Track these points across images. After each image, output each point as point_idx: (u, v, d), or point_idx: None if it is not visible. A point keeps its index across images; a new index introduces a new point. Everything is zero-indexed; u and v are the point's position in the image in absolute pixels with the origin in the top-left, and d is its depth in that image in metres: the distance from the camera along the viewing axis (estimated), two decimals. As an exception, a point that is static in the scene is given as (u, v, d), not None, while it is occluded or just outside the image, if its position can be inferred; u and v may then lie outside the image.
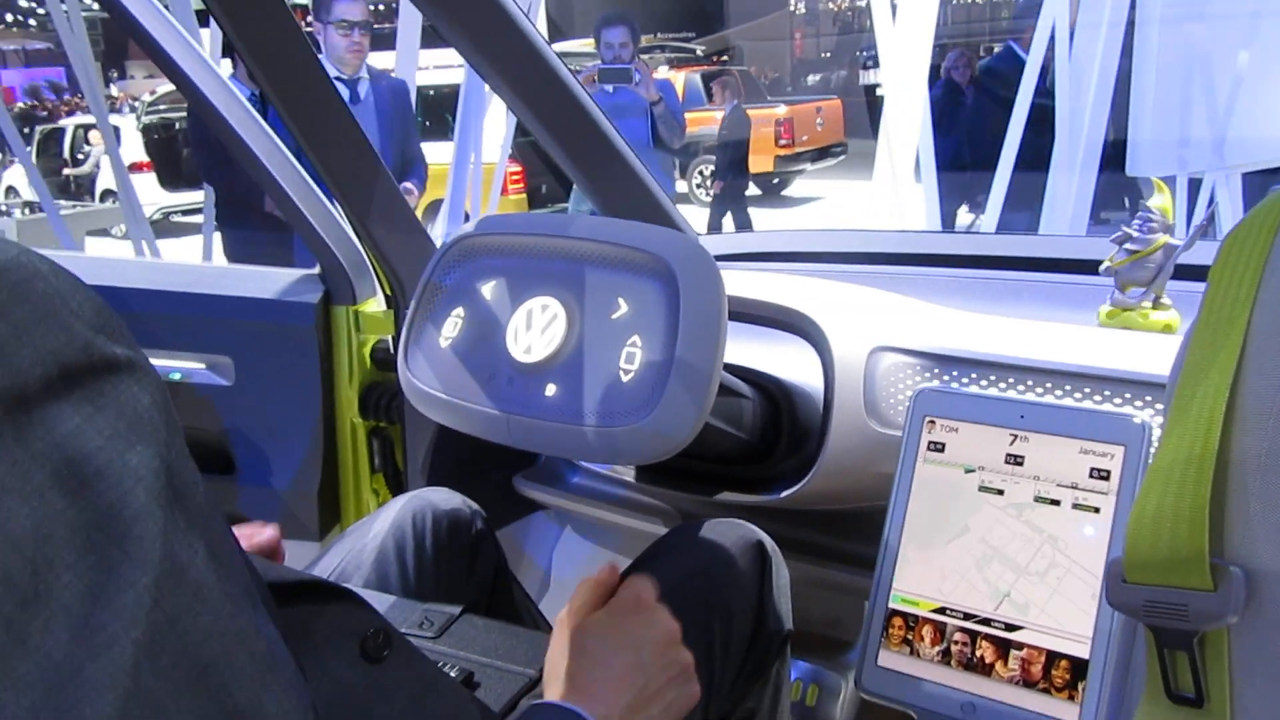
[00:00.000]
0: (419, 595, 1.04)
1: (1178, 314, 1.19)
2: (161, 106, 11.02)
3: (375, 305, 1.56)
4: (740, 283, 1.29)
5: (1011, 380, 1.07)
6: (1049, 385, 1.04)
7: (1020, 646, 0.85)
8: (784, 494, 1.17)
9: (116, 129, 7.06)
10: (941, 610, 0.89)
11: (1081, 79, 3.52)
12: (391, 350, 1.58)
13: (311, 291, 1.55)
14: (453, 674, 0.90)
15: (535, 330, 1.01)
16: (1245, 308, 0.55)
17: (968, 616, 0.88)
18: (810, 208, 10.33)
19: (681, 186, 9.01)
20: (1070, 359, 1.04)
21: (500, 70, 1.35)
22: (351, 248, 1.52)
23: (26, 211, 8.22)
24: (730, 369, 1.20)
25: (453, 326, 1.08)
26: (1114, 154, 3.55)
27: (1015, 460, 0.89)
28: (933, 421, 0.94)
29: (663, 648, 0.78)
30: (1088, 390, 1.01)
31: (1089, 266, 1.27)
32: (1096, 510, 0.84)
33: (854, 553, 1.31)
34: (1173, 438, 0.56)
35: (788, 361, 1.26)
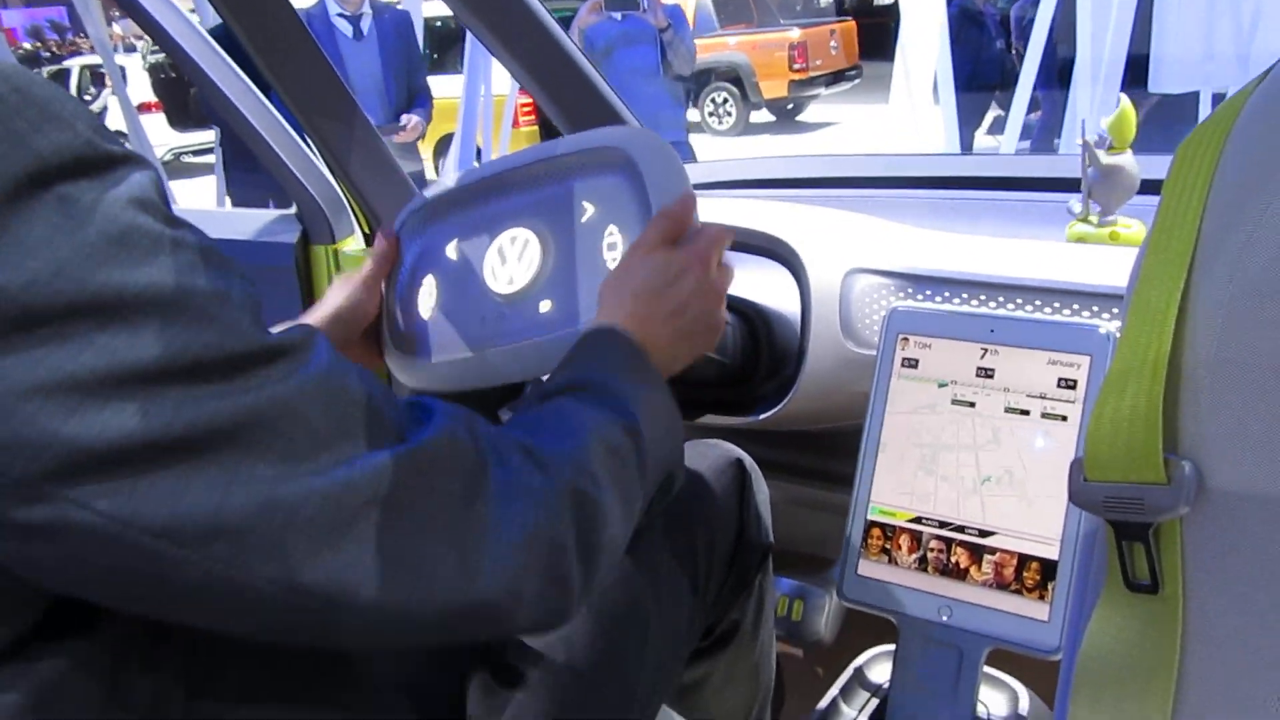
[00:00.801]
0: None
1: (1141, 226, 1.21)
2: (168, 45, 10.71)
3: (354, 244, 1.57)
4: (715, 210, 1.30)
5: (983, 297, 1.09)
6: (1019, 301, 1.07)
7: (993, 551, 0.89)
8: (764, 415, 1.19)
9: (122, 69, 6.83)
10: (917, 519, 0.93)
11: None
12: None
13: (289, 231, 1.55)
14: None
15: (511, 262, 1.02)
16: (1195, 213, 0.57)
17: (943, 524, 0.91)
18: (825, 133, 10.08)
19: (694, 115, 8.82)
20: (1037, 274, 1.07)
21: None
22: (328, 187, 1.52)
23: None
24: None
25: (428, 296, 1.08)
26: (1136, 70, 3.51)
27: (986, 373, 0.92)
28: (906, 339, 0.96)
29: (698, 298, 0.82)
30: (1056, 304, 1.04)
31: (1062, 184, 1.29)
32: (1064, 419, 0.87)
33: (835, 471, 1.34)
34: (1128, 342, 0.59)
35: (765, 286, 1.28)
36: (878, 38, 11.24)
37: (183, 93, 9.65)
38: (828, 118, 10.54)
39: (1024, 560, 0.87)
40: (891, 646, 0.97)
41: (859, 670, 1.01)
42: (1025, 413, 0.89)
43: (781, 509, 1.22)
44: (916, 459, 0.94)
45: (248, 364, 0.49)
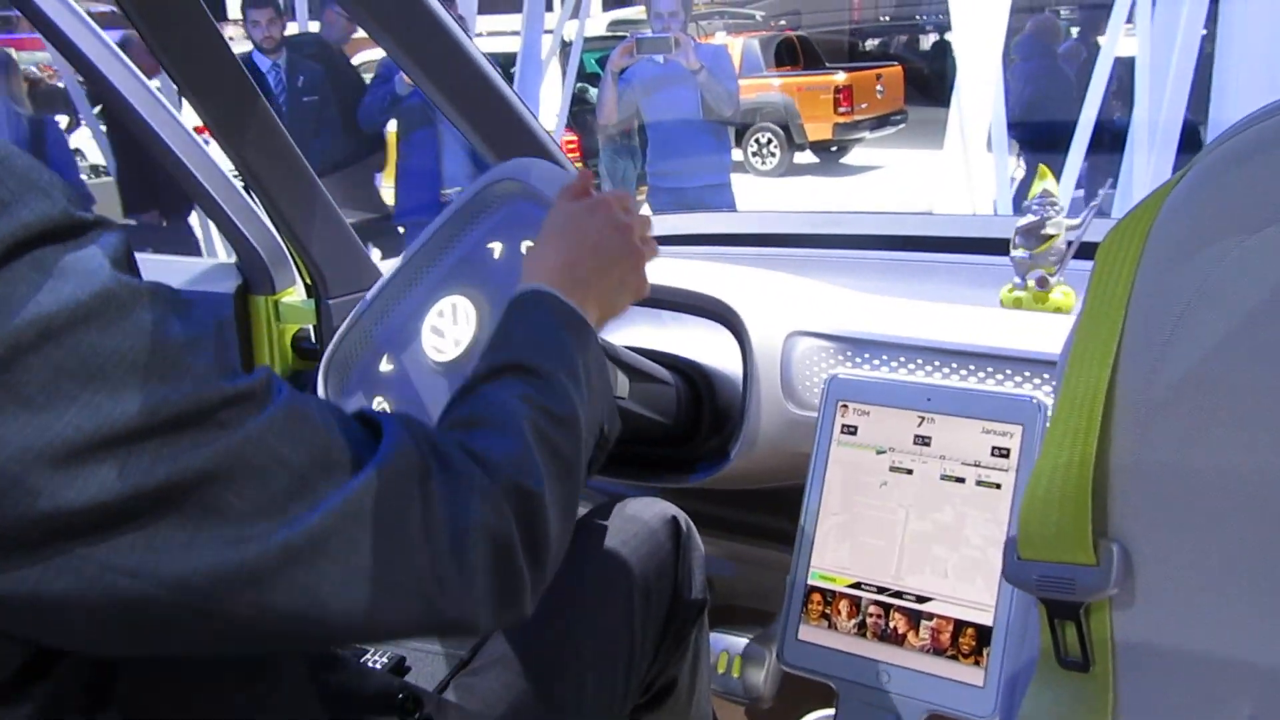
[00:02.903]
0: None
1: (1072, 292, 1.26)
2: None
3: (295, 295, 1.55)
4: (660, 271, 1.32)
5: (920, 361, 1.12)
6: (954, 365, 1.09)
7: (930, 617, 0.90)
8: (706, 478, 1.20)
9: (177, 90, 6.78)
10: (857, 585, 0.94)
11: (1162, 55, 3.42)
12: (312, 339, 1.58)
13: (227, 281, 1.53)
14: (382, 661, 0.92)
15: (448, 329, 1.03)
16: (1120, 308, 0.60)
17: (881, 590, 0.93)
18: (869, 176, 10.04)
19: (737, 155, 8.74)
20: (972, 340, 1.09)
21: (374, 16, 1.34)
22: (268, 236, 1.51)
23: (93, 175, 7.87)
24: (651, 354, 1.23)
25: (381, 372, 1.09)
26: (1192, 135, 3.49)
27: (923, 441, 0.94)
28: (845, 405, 0.98)
29: (610, 230, 0.85)
30: (990, 370, 1.07)
31: (999, 246, 1.32)
32: (998, 486, 0.90)
33: (774, 528, 1.35)
34: (1057, 428, 0.61)
35: (707, 346, 1.29)
36: (925, 83, 11.27)
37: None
38: (872, 161, 10.50)
39: (960, 626, 0.89)
40: (831, 711, 0.98)
41: None
42: (960, 480, 0.92)
43: (721, 564, 1.23)
44: (855, 525, 0.95)
45: (221, 409, 0.51)
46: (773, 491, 1.30)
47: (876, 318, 1.18)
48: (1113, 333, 0.59)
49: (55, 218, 0.48)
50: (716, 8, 13.61)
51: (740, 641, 1.55)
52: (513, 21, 5.28)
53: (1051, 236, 1.24)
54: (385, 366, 1.08)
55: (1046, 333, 1.09)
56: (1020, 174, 4.79)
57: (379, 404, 1.07)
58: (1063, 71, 5.10)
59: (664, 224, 1.77)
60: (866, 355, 1.15)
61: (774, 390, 1.17)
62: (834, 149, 10.59)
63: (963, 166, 3.69)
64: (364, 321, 1.10)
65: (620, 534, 1.01)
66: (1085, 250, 1.29)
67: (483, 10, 4.45)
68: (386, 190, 4.83)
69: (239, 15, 4.69)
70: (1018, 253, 1.26)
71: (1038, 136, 4.88)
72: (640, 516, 1.04)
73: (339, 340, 1.12)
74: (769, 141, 10.10)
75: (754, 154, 10.08)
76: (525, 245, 0.97)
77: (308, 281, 1.55)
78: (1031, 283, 1.26)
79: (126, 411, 0.47)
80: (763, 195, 8.57)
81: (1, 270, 0.46)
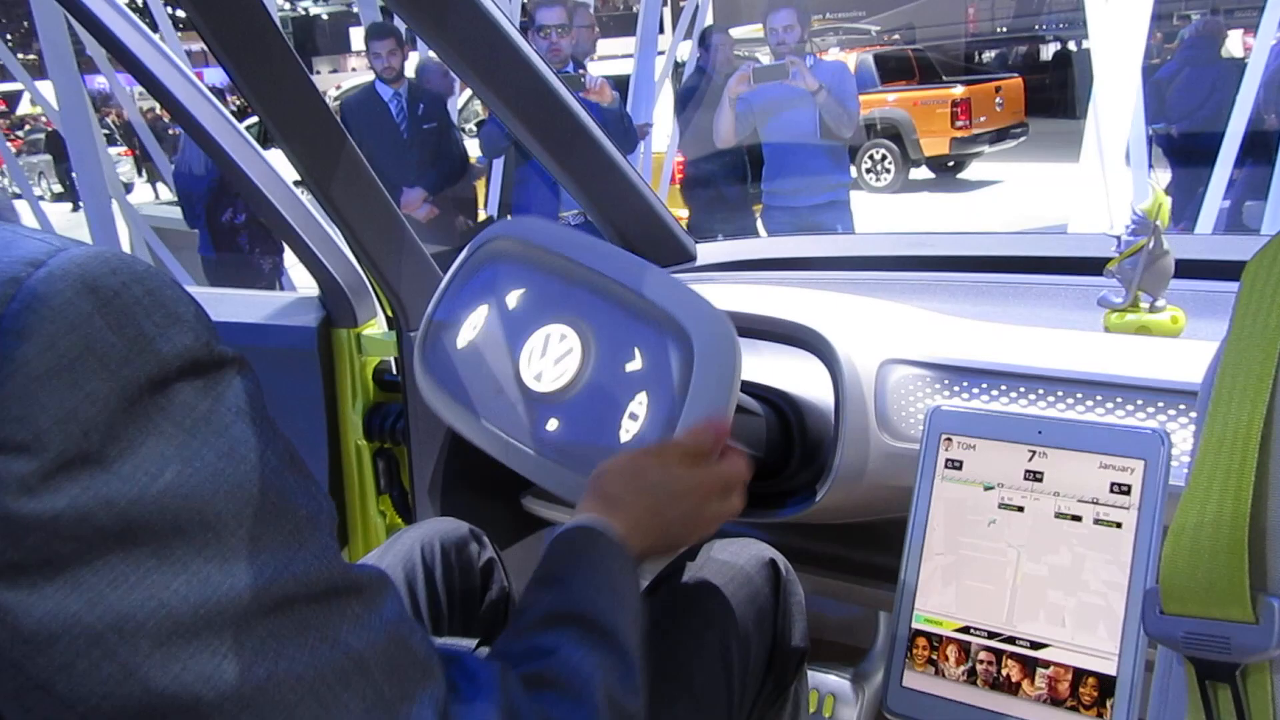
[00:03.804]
0: (434, 629, 1.03)
1: (1182, 315, 1.19)
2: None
3: (376, 327, 1.55)
4: (747, 298, 1.29)
5: (1023, 390, 1.07)
6: (1060, 394, 1.04)
7: (1046, 665, 0.85)
8: (796, 513, 1.16)
9: None
10: (965, 629, 0.89)
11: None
12: (394, 371, 1.58)
13: (312, 314, 1.54)
14: None
15: (549, 358, 1.01)
16: (1275, 335, 0.55)
17: (992, 635, 0.87)
18: (987, 191, 9.87)
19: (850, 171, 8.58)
20: (1080, 366, 1.04)
21: (482, 77, 1.34)
22: (351, 270, 1.51)
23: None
24: (741, 385, 1.20)
25: (472, 327, 1.08)
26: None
27: (1034, 476, 0.89)
28: (949, 439, 0.93)
29: (697, 524, 0.85)
30: (1098, 398, 1.01)
31: (1096, 266, 1.26)
32: (1118, 525, 0.84)
33: (863, 563, 1.30)
34: (1205, 466, 0.56)
35: (797, 374, 1.25)
36: (1045, 94, 11.01)
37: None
38: (990, 176, 10.28)
39: (1080, 675, 0.83)
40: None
41: None
42: (1077, 518, 0.86)
43: (813, 599, 1.18)
44: (963, 565, 0.90)
45: (330, 598, 0.49)
46: (864, 525, 1.25)
47: (974, 344, 1.13)
48: (1267, 365, 0.54)
49: (196, 353, 0.49)
50: (830, 24, 13.46)
51: (831, 680, 1.50)
52: (626, 45, 5.33)
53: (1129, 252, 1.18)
54: (510, 299, 1.06)
55: (1161, 358, 1.03)
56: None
57: (479, 313, 1.06)
58: (1228, 77, 4.77)
59: (747, 249, 1.74)
60: (965, 384, 1.10)
61: (867, 421, 1.12)
62: (950, 164, 10.33)
63: (1100, 181, 3.50)
64: (548, 255, 1.07)
65: (715, 580, 0.97)
66: (1187, 269, 1.22)
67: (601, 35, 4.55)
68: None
69: (361, 47, 4.78)
70: (1121, 272, 1.20)
71: (1196, 148, 4.59)
72: (735, 561, 1.00)
73: (526, 240, 1.08)
74: (883, 158, 9.92)
75: (868, 170, 9.91)
76: (634, 405, 0.94)
77: (389, 314, 1.55)
78: (1144, 305, 1.20)
79: (237, 584, 0.46)
80: (877, 212, 8.34)
81: (134, 413, 0.45)
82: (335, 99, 11.57)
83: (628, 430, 0.95)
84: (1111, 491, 0.85)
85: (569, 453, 0.98)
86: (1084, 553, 0.85)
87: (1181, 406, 0.96)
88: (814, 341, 1.18)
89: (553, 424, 0.99)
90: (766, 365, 1.27)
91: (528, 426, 1.01)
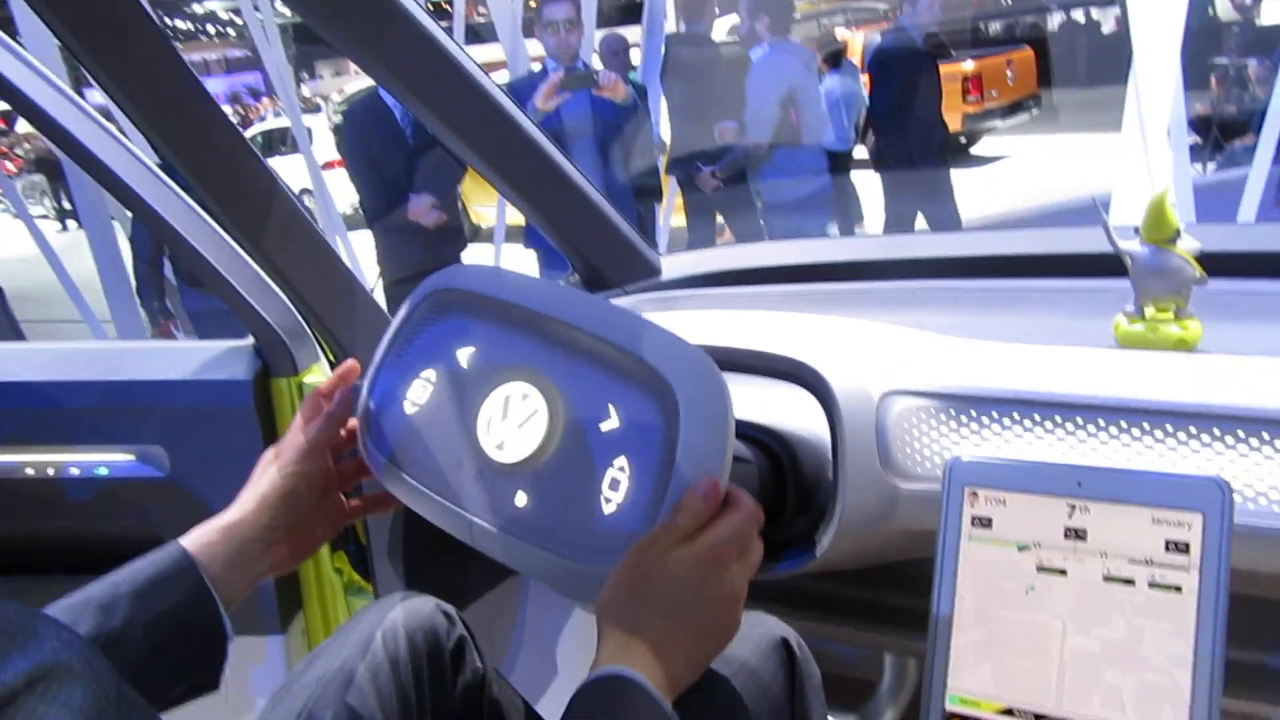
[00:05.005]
0: None
1: (1199, 326, 1.09)
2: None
3: (319, 374, 1.42)
4: (725, 327, 1.17)
5: (1042, 418, 0.96)
6: (1087, 422, 0.94)
7: (1105, 751, 0.74)
8: (795, 567, 1.05)
9: (309, 129, 6.95)
10: (1008, 712, 0.78)
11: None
12: (342, 419, 1.44)
13: (244, 365, 1.40)
14: None
15: (512, 423, 0.89)
16: None
17: (1039, 718, 0.77)
18: (998, 167, 9.49)
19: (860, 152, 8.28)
20: (1098, 391, 0.94)
21: (419, 96, 1.22)
22: (287, 313, 1.38)
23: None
24: None
25: (421, 391, 0.96)
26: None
27: (1077, 534, 0.78)
28: (975, 493, 0.82)
29: (727, 605, 0.75)
30: (1143, 427, 0.91)
31: (1109, 265, 1.15)
32: (1178, 589, 0.74)
33: (874, 602, 1.20)
34: None
35: (785, 405, 1.14)
36: (1055, 66, 10.67)
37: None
38: (1000, 151, 10.01)
39: (1145, 763, 0.73)
40: None
41: None
42: (1130, 582, 0.76)
43: (816, 637, 1.08)
44: (1000, 640, 0.79)
45: None
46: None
47: (984, 367, 1.02)
48: None
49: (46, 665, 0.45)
50: (839, 3, 13.24)
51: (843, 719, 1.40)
52: (632, 33, 5.16)
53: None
54: (460, 357, 0.95)
55: (1186, 377, 0.93)
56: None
57: (425, 378, 0.95)
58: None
59: (716, 259, 1.62)
60: (977, 414, 0.99)
61: (870, 461, 1.01)
62: (963, 140, 10.04)
63: (1142, 156, 3.23)
64: (494, 306, 0.96)
65: (727, 666, 0.86)
66: (1223, 265, 1.12)
67: (600, 24, 4.33)
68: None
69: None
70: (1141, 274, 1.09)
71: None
72: (746, 641, 0.89)
73: (468, 290, 0.98)
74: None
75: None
76: (615, 472, 0.83)
77: (330, 358, 1.41)
78: (1161, 313, 1.10)
79: None
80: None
81: None
82: (339, 104, 11.34)
83: (610, 501, 0.83)
84: (1167, 550, 0.75)
85: (543, 530, 0.86)
86: (1141, 623, 0.74)
87: (1240, 434, 0.86)
88: (806, 376, 1.06)
89: (521, 498, 0.87)
90: (750, 398, 1.16)
91: (492, 503, 0.89)
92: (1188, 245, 1.07)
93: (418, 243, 3.92)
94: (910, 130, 4.55)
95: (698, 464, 0.79)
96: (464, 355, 0.93)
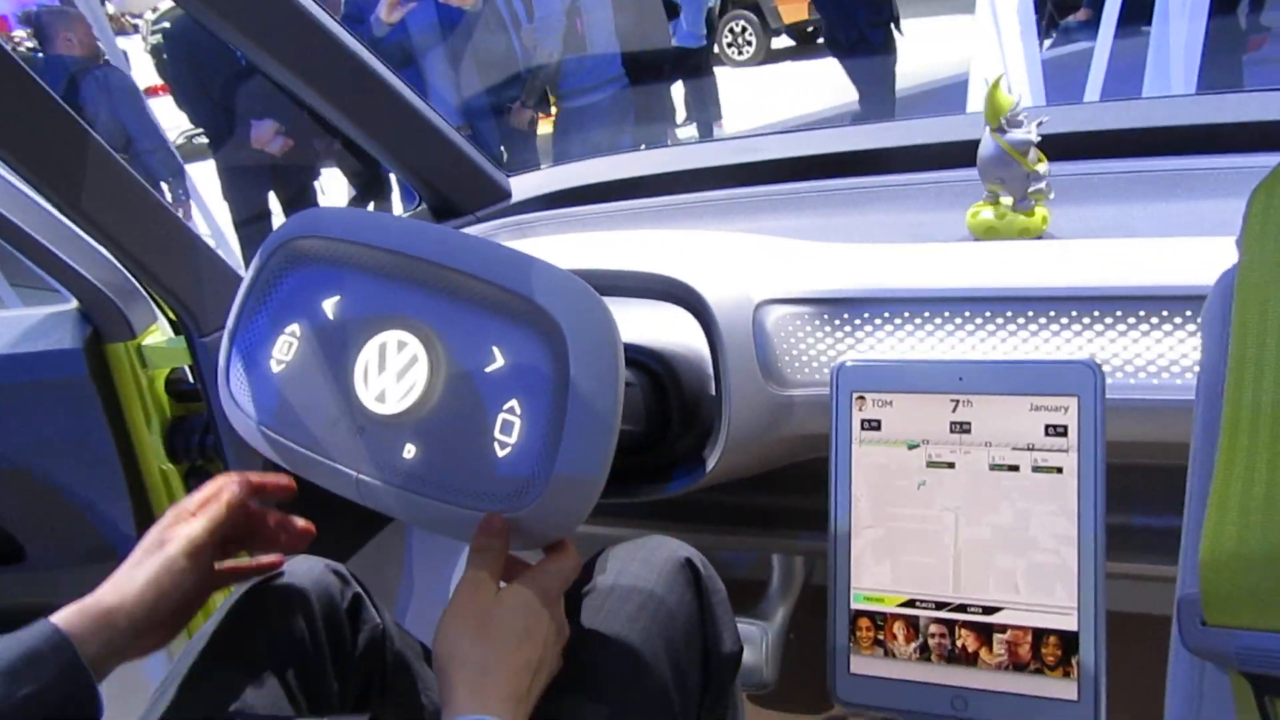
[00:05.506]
0: (310, 706, 0.88)
1: (1045, 211, 1.13)
2: (166, 24, 9.37)
3: (159, 334, 1.31)
4: (593, 250, 1.15)
5: (907, 314, 0.99)
6: (947, 314, 0.97)
7: (1003, 629, 0.78)
8: (687, 485, 1.06)
9: (125, 53, 6.02)
10: (910, 603, 0.81)
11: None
12: (190, 379, 1.35)
13: (72, 332, 1.29)
14: None
15: (390, 373, 0.84)
16: None
17: (940, 605, 0.80)
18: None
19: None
20: (971, 282, 0.97)
21: (236, 24, 1.12)
22: (115, 272, 1.26)
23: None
24: None
25: (285, 348, 0.90)
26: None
27: (962, 428, 0.81)
28: (862, 397, 0.84)
29: (558, 642, 0.77)
30: (987, 313, 0.95)
31: (964, 155, 1.17)
32: (1059, 470, 0.77)
33: (749, 506, 1.22)
34: (1238, 439, 0.48)
35: (661, 324, 1.13)
36: None
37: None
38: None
39: (1039, 635, 0.77)
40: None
41: None
42: (1014, 468, 0.79)
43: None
44: (897, 535, 0.82)
45: None
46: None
47: (852, 269, 1.04)
48: None
49: None
50: None
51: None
52: None
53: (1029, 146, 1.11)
54: (326, 307, 0.89)
55: (1031, 262, 0.97)
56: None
57: (290, 333, 0.90)
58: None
59: (565, 176, 1.58)
60: (850, 316, 1.01)
61: (750, 372, 1.02)
62: (810, 29, 9.74)
63: (993, 35, 3.22)
64: (357, 249, 0.90)
65: (632, 606, 0.86)
66: (1070, 146, 1.16)
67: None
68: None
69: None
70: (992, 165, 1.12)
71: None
72: (648, 576, 0.88)
73: (326, 237, 0.91)
74: (744, 30, 9.50)
75: (729, 44, 9.50)
76: (506, 415, 0.81)
77: (170, 316, 1.31)
78: (1005, 203, 1.14)
79: None
80: (742, 87, 8.09)
81: None
82: (154, 24, 10.16)
83: (505, 445, 0.80)
84: (1047, 434, 0.78)
85: (435, 482, 0.82)
86: (1027, 507, 0.78)
87: (1096, 314, 0.90)
88: (680, 293, 1.06)
89: (410, 450, 0.84)
90: (626, 320, 1.14)
91: (378, 457, 0.84)
92: (1027, 133, 1.10)
93: (265, 174, 3.63)
94: (857, 6, 4.48)
95: (590, 399, 0.77)
96: (330, 306, 0.88)
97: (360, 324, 0.86)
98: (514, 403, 0.80)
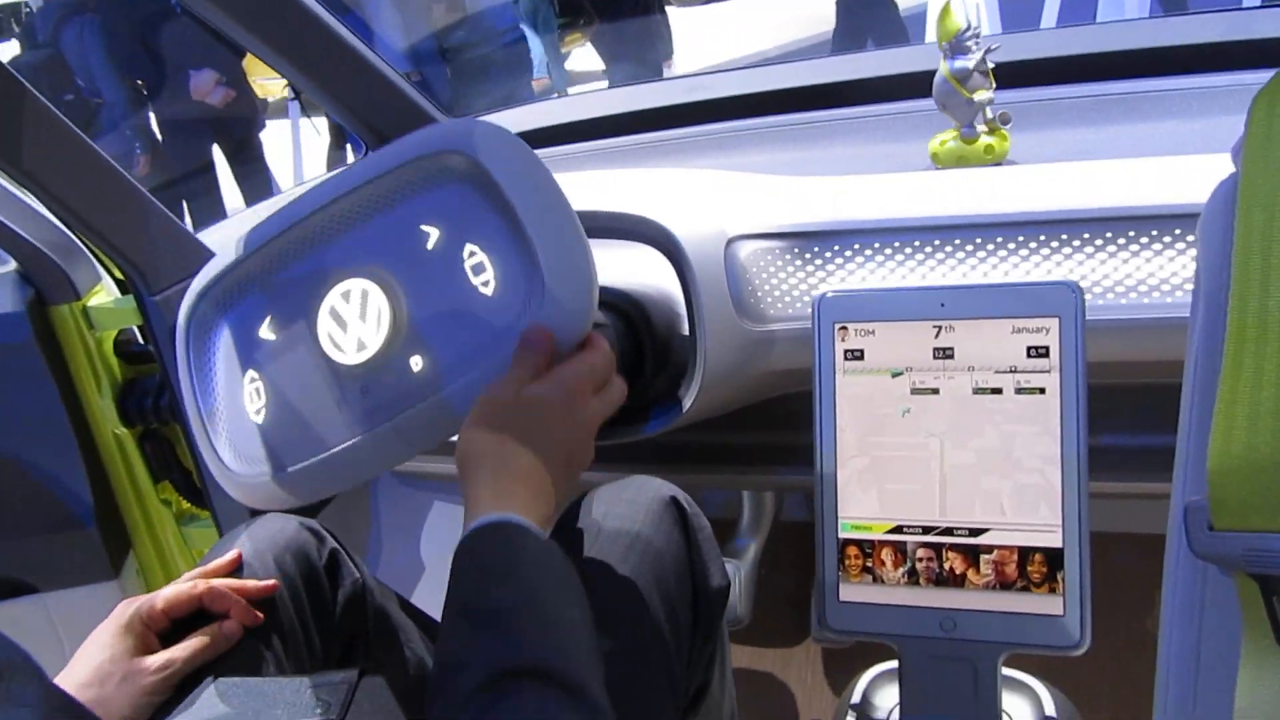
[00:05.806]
0: (293, 664, 0.86)
1: (1006, 137, 1.13)
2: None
3: (105, 294, 1.27)
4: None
5: (878, 244, 0.99)
6: (917, 244, 0.97)
7: (989, 550, 0.79)
8: (663, 425, 1.05)
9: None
10: (897, 529, 0.82)
11: None
12: (141, 339, 1.31)
13: (12, 295, 1.23)
14: None
15: (354, 323, 0.82)
16: None
17: (927, 530, 0.81)
18: None
19: None
20: (942, 210, 0.97)
21: None
22: (54, 230, 1.21)
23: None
24: None
25: (255, 395, 0.88)
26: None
27: (945, 354, 0.81)
28: (844, 328, 0.84)
29: (583, 437, 0.73)
30: (957, 240, 0.95)
31: (919, 86, 1.17)
32: (1042, 391, 0.78)
33: (721, 443, 1.22)
34: (1245, 345, 0.48)
35: (632, 265, 1.11)
36: None
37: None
38: None
39: (1025, 553, 0.78)
40: (892, 664, 0.88)
41: (861, 704, 0.91)
42: (997, 391, 0.80)
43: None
44: (883, 463, 0.82)
45: None
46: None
47: (819, 202, 1.03)
48: None
49: None
50: None
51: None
52: None
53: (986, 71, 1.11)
54: (266, 333, 0.87)
55: (1004, 188, 0.97)
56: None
57: (251, 380, 0.87)
58: None
59: (514, 119, 1.55)
60: (820, 249, 1.01)
61: (724, 309, 1.01)
62: None
63: None
64: (253, 261, 0.88)
65: (620, 547, 0.85)
66: (1026, 73, 1.16)
67: None
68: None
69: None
70: (951, 93, 1.12)
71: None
72: (634, 516, 0.88)
73: (217, 277, 0.90)
74: None
75: None
76: (471, 259, 0.78)
77: (116, 276, 1.27)
78: (963, 132, 1.14)
79: None
80: (693, 28, 7.80)
81: None
82: None
83: (486, 284, 0.79)
84: (1029, 356, 0.79)
85: (455, 363, 0.79)
86: (1011, 429, 0.79)
87: (1064, 237, 0.91)
88: (650, 231, 1.04)
89: (417, 363, 0.81)
90: (597, 261, 1.13)
91: (394, 394, 0.82)
92: (968, 60, 1.09)
93: (205, 128, 3.50)
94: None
95: (528, 195, 0.76)
96: (267, 327, 0.86)
97: (302, 312, 0.84)
98: (470, 247, 0.79)
